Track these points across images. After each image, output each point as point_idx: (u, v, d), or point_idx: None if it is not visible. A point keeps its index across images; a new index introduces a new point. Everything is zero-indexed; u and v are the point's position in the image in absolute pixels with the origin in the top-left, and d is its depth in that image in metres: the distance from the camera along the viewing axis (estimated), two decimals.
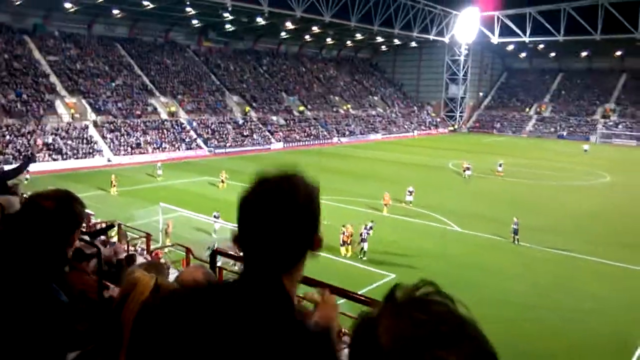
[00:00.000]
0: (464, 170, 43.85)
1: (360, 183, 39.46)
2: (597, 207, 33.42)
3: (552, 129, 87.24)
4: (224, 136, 59.65)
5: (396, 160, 53.61)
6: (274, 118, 69.39)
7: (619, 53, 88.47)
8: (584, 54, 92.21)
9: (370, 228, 22.83)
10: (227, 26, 71.60)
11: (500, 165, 45.14)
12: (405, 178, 42.31)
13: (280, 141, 63.74)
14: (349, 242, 22.20)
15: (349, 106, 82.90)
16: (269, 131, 65.15)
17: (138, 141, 51.98)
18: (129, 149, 50.45)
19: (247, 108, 68.20)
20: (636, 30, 70.10)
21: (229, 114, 65.31)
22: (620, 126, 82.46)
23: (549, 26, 76.79)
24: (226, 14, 61.59)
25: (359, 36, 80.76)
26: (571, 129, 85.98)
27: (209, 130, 59.57)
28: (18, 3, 53.90)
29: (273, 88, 76.65)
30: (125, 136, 51.87)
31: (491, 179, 43.43)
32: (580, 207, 33.31)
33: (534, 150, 66.61)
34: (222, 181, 36.21)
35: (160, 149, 52.40)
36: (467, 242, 24.86)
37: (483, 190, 38.26)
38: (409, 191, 32.06)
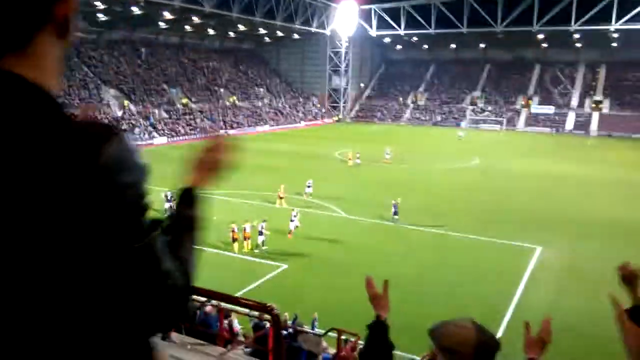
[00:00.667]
0: (350, 159, 45.48)
1: (250, 175, 39.26)
2: (468, 188, 36.45)
3: (428, 117, 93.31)
4: None
5: (285, 151, 54.17)
6: (156, 112, 66.61)
7: (482, 45, 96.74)
8: (452, 46, 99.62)
9: (264, 221, 22.95)
10: (100, 15, 67.06)
11: (387, 153, 47.44)
12: (295, 169, 43.05)
13: (163, 136, 61.33)
14: (245, 237, 21.92)
15: (234, 98, 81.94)
16: (151, 125, 62.39)
17: None
18: None
19: (126, 102, 64.68)
20: (496, 24, 77.00)
21: (105, 108, 61.46)
22: (486, 112, 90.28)
23: (421, 20, 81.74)
24: (97, 2, 57.64)
25: (241, 27, 79.86)
26: (444, 116, 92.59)
27: None
28: None
29: (153, 80, 73.41)
30: None
31: (378, 166, 45.48)
32: (454, 188, 36.15)
33: (414, 137, 70.88)
34: None
35: None
36: (356, 228, 25.91)
37: (370, 177, 39.99)
38: (307, 185, 32.48)
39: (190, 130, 66.08)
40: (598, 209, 31.06)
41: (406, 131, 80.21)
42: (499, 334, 14.67)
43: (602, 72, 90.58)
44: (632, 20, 69.43)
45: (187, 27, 79.51)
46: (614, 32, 74.36)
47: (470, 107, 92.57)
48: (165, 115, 67.05)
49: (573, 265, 21.10)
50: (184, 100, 73.08)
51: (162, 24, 74.71)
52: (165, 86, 73.75)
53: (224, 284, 17.83)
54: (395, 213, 26.90)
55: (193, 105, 73.21)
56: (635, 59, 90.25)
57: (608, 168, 47.29)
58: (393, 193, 30.89)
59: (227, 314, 10.13)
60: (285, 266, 19.94)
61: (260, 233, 22.39)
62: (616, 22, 70.31)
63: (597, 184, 39.27)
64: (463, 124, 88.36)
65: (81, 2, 57.08)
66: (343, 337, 9.99)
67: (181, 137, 63.11)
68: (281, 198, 30.07)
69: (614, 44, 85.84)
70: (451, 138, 69.48)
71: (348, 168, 44.07)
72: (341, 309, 16.17)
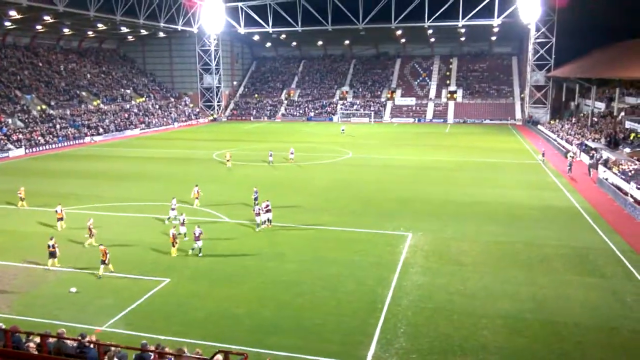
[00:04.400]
0: (228, 161, 45.25)
1: (124, 185, 37.55)
2: (343, 181, 38.23)
3: (301, 112, 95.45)
4: None
5: (160, 156, 52.33)
6: (9, 121, 60.48)
7: (347, 42, 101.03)
8: (320, 42, 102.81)
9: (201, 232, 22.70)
10: None
11: (291, 153, 47.82)
12: (174, 174, 41.82)
13: (21, 147, 55.91)
14: (106, 261, 20.43)
15: (98, 101, 77.02)
16: (5, 135, 56.53)
17: None
18: None
19: None
20: (358, 21, 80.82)
21: None
22: (355, 106, 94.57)
23: (288, 17, 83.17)
24: None
25: (101, 26, 75.10)
26: (317, 111, 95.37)
27: None
28: None
29: (3, 85, 66.44)
30: None
31: (258, 166, 45.72)
32: (327, 183, 37.70)
33: (291, 133, 72.13)
34: None
35: None
36: (235, 232, 26.00)
37: (248, 178, 40.07)
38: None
39: (51, 138, 60.96)
40: (459, 192, 34.43)
41: (281, 127, 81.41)
42: (380, 322, 15.91)
43: (454, 65, 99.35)
44: (475, 16, 77.00)
45: (39, 27, 72.94)
46: (461, 27, 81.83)
47: (341, 102, 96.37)
48: (20, 124, 61.14)
49: (439, 247, 23.31)
50: (42, 107, 67.18)
51: (8, 24, 67.78)
52: (18, 92, 67.14)
53: (103, 305, 17.17)
54: (256, 199, 29.34)
55: (52, 112, 67.56)
56: (479, 52, 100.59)
57: (464, 153, 52.33)
58: (274, 193, 31.50)
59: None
60: (167, 280, 19.57)
61: (198, 238, 22.31)
62: (462, 19, 77.49)
63: (457, 169, 43.38)
64: (335, 118, 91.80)
65: None
66: None
67: (41, 148, 58.05)
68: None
69: (462, 39, 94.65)
70: (325, 133, 71.92)
71: (227, 170, 43.86)
72: (228, 321, 16.40)
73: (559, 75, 74.10)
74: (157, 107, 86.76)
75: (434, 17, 77.53)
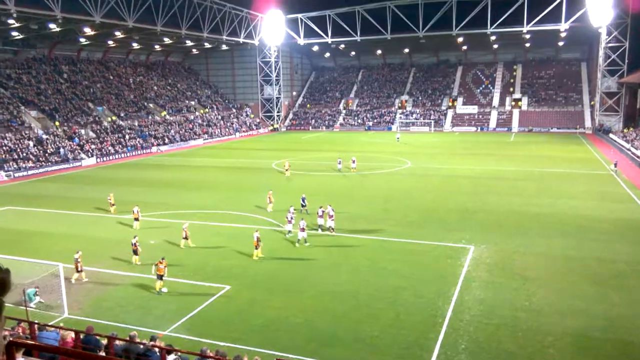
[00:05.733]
0: (287, 170, 45.73)
1: (188, 193, 38.76)
2: (403, 191, 37.68)
3: (360, 121, 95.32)
4: (24, 157, 53.16)
5: (222, 166, 53.68)
6: (83, 131, 64.06)
7: (406, 50, 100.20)
8: (379, 51, 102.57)
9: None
10: (15, 34, 63.75)
11: (353, 162, 47.84)
12: (234, 183, 42.80)
13: (92, 156, 59.01)
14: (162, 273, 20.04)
15: (165, 112, 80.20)
16: (79, 146, 59.89)
17: None
18: None
19: (52, 123, 61.80)
20: (418, 29, 79.99)
21: (27, 130, 58.42)
22: (414, 115, 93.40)
23: (347, 27, 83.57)
24: (11, 21, 54.74)
25: (167, 40, 78.38)
26: (376, 120, 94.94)
27: (4, 150, 52.59)
28: None
29: (78, 99, 70.54)
30: None
31: (317, 175, 45.98)
32: (387, 193, 37.25)
33: (350, 143, 72.09)
34: None
35: None
36: (294, 240, 26.08)
37: (307, 187, 40.30)
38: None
39: (120, 148, 64.02)
40: (524, 203, 33.06)
41: (341, 137, 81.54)
42: (440, 337, 15.44)
43: (518, 71, 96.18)
44: (540, 22, 74.36)
45: (110, 42, 77.11)
46: (525, 33, 79.21)
47: (400, 111, 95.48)
48: (92, 134, 64.60)
49: (503, 261, 22.42)
50: (112, 118, 70.75)
51: (83, 40, 72.04)
52: (90, 104, 71.06)
53: (167, 310, 17.67)
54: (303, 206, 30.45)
55: (122, 123, 70.98)
56: (545, 58, 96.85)
57: (529, 162, 50.30)
58: (333, 202, 31.46)
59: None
60: (227, 287, 19.90)
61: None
62: (527, 24, 75.01)
63: (522, 179, 41.73)
64: (394, 127, 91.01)
65: None
66: None
67: (111, 157, 61.02)
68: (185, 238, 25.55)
69: (527, 44, 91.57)
70: (384, 142, 71.42)
71: (286, 179, 44.31)
72: (285, 329, 16.43)
73: (633, 81, 70.08)
74: (219, 117, 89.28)
75: (497, 23, 75.52)
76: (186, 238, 25.20)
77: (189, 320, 17.00)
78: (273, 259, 23.29)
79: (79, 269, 20.83)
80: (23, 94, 64.12)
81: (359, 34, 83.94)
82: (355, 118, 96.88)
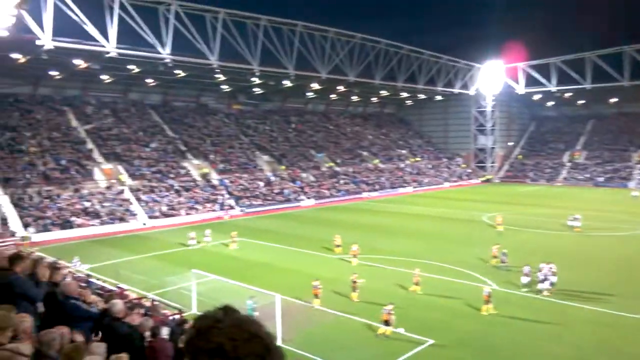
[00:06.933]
0: (499, 224, 42.77)
1: (394, 239, 38.96)
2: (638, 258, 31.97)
3: (587, 176, 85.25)
4: (255, 195, 60.27)
5: (429, 214, 52.97)
6: (304, 175, 70.07)
7: None
8: (612, 100, 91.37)
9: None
10: (256, 89, 73.89)
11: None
12: (441, 233, 41.75)
13: (310, 198, 63.93)
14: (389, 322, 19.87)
15: (377, 160, 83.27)
16: (300, 188, 65.61)
17: (172, 203, 52.89)
18: (163, 211, 51.27)
19: (281, 166, 69.28)
20: None
21: (259, 172, 66.29)
22: None
23: (574, 75, 76.80)
24: (254, 79, 63.68)
25: (384, 92, 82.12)
26: (607, 175, 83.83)
27: (240, 189, 60.38)
28: (58, 77, 57.01)
29: (302, 146, 77.88)
30: (160, 199, 52.91)
31: (532, 232, 42.22)
32: (620, 258, 31.92)
33: (574, 199, 64.71)
34: (233, 241, 37.25)
35: (194, 210, 53.08)
36: (501, 301, 23.79)
37: (526, 244, 37.06)
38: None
39: (335, 192, 68.13)
40: None
41: (564, 192, 73.68)
42: None
43: None
44: None
45: (333, 96, 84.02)
46: None
47: (639, 166, 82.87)
48: (312, 178, 70.21)
49: None
50: (330, 164, 76.11)
51: (310, 94, 79.88)
52: (312, 151, 77.68)
53: (371, 354, 17.39)
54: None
55: (338, 169, 75.79)
56: None
57: None
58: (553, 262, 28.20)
59: None
60: (431, 341, 18.88)
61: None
62: None
63: None
64: (631, 184, 79.01)
65: (241, 79, 63.64)
66: None
67: (326, 200, 65.20)
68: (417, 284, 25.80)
69: None
70: (617, 200, 62.41)
71: (497, 234, 41.33)
72: None
73: None
74: (429, 167, 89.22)
75: None
76: (417, 284, 25.39)
77: None
78: (481, 319, 21.54)
79: (318, 296, 23.24)
80: (259, 141, 73.38)
81: (589, 81, 76.40)
82: (582, 172, 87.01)
